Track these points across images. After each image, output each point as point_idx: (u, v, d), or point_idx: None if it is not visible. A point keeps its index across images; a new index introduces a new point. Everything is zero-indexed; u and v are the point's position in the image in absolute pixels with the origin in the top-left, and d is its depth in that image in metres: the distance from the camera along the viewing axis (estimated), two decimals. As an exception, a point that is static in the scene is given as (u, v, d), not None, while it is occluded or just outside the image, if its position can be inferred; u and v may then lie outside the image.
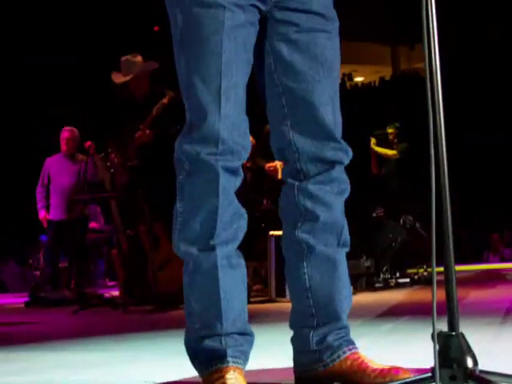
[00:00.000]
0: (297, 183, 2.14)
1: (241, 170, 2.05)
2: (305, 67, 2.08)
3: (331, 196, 2.13)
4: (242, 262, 2.07)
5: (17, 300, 8.90)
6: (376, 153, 10.17)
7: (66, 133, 8.34)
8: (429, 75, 1.83)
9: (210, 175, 1.98)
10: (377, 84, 21.63)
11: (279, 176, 7.76)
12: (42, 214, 8.39)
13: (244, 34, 2.01)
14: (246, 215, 2.07)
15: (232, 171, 2.01)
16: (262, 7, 2.06)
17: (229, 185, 2.00)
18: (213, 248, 1.99)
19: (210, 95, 1.98)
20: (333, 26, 2.13)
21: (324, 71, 2.09)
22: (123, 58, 6.82)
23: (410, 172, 10.07)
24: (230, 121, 1.98)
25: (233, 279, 2.02)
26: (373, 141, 10.15)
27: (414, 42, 21.31)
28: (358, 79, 24.09)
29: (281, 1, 2.07)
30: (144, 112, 6.67)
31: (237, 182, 2.03)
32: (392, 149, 10.03)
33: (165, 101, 6.63)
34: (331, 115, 2.11)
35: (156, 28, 14.82)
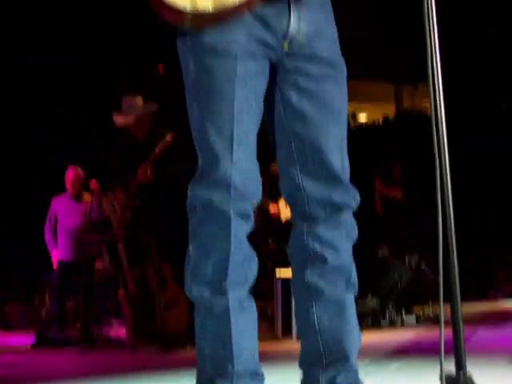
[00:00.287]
0: (306, 226, 2.17)
1: (252, 215, 2.08)
2: (314, 114, 2.12)
3: (339, 240, 2.16)
4: (253, 305, 2.10)
5: (23, 339, 8.85)
6: (381, 192, 10.18)
7: (70, 174, 8.33)
8: (434, 110, 1.87)
9: (222, 220, 2.02)
10: (380, 123, 21.67)
11: (283, 218, 7.78)
12: (53, 255, 8.37)
13: (255, 83, 2.06)
14: (256, 258, 2.11)
15: (244, 216, 2.05)
16: (273, 56, 2.10)
17: (240, 229, 2.04)
18: (224, 291, 2.03)
19: (223, 142, 2.02)
20: (341, 73, 2.17)
21: (332, 118, 2.13)
22: (124, 100, 6.92)
23: (416, 211, 10.07)
24: (241, 166, 2.03)
25: (244, 322, 2.05)
26: (378, 181, 10.17)
27: (418, 81, 21.33)
28: (362, 116, 24.16)
29: (291, 50, 2.11)
30: (145, 152, 6.73)
31: (248, 226, 2.07)
32: (396, 187, 10.04)
33: (168, 139, 6.68)
34: (339, 160, 2.15)
35: (161, 69, 14.85)
